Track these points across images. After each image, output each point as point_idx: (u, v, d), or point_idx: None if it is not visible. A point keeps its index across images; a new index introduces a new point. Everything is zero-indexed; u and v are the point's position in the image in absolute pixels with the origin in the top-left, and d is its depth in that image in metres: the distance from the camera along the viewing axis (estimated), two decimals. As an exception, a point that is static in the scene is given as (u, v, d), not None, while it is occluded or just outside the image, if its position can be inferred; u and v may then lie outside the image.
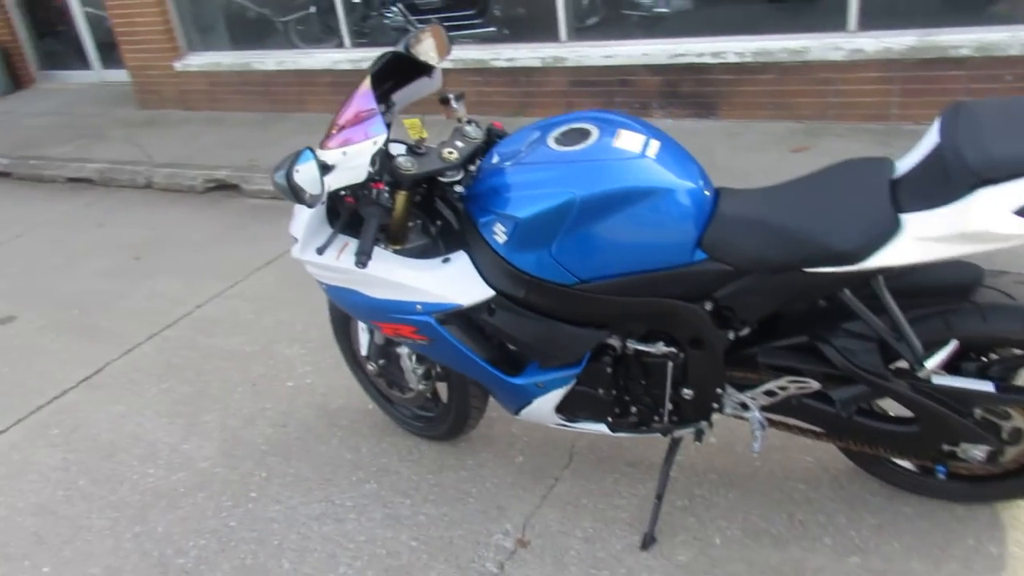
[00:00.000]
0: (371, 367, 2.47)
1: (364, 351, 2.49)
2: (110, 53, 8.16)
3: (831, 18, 4.81)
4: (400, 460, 2.58)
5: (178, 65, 7.12)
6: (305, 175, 1.75)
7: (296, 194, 1.70)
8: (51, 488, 2.64)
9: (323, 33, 6.73)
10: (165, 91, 7.32)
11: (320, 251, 1.94)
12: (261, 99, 6.86)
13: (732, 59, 4.99)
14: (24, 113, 7.87)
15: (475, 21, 6.11)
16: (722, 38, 5.10)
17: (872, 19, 4.69)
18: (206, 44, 7.23)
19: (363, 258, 1.82)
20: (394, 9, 6.39)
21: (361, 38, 6.51)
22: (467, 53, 5.85)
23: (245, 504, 2.48)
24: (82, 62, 8.80)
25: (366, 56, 6.09)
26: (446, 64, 5.30)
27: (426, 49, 2.21)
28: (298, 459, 2.64)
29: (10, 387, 3.26)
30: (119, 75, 8.01)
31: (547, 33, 5.67)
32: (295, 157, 1.74)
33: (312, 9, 6.77)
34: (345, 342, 2.65)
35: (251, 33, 7.15)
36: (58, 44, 8.99)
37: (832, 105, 4.83)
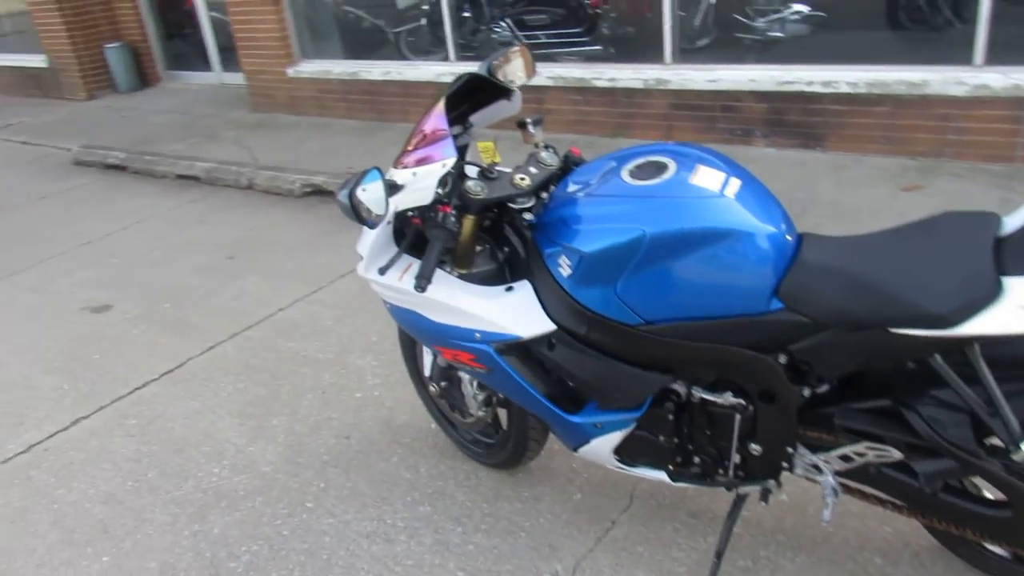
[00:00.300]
0: (433, 388, 2.44)
1: (427, 371, 2.47)
2: (230, 57, 8.53)
3: (955, 51, 4.52)
4: (457, 485, 2.54)
5: (291, 71, 7.36)
6: (371, 194, 1.73)
7: (357, 214, 1.68)
8: (122, 478, 2.73)
9: (432, 46, 6.84)
10: (277, 95, 7.58)
11: (382, 271, 1.92)
12: (366, 108, 7.02)
13: (844, 89, 4.76)
14: (147, 110, 8.31)
15: (582, 39, 6.07)
16: (834, 67, 4.88)
17: (1001, 53, 4.38)
18: (318, 52, 7.46)
19: (423, 282, 1.79)
20: (503, 24, 6.43)
21: (467, 52, 6.57)
22: (569, 71, 5.81)
23: (300, 514, 2.48)
24: (204, 64, 9.23)
25: (468, 70, 6.17)
26: (545, 81, 5.27)
27: (514, 69, 2.17)
28: (357, 473, 2.64)
29: (98, 374, 3.40)
30: (236, 78, 8.36)
31: (652, 54, 5.57)
32: (361, 176, 1.72)
33: (423, 22, 6.89)
34: (412, 360, 2.63)
35: (362, 43, 7.34)
36: (185, 46, 9.47)
37: (950, 143, 4.54)
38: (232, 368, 3.33)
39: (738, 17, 5.41)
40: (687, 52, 5.52)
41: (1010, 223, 1.56)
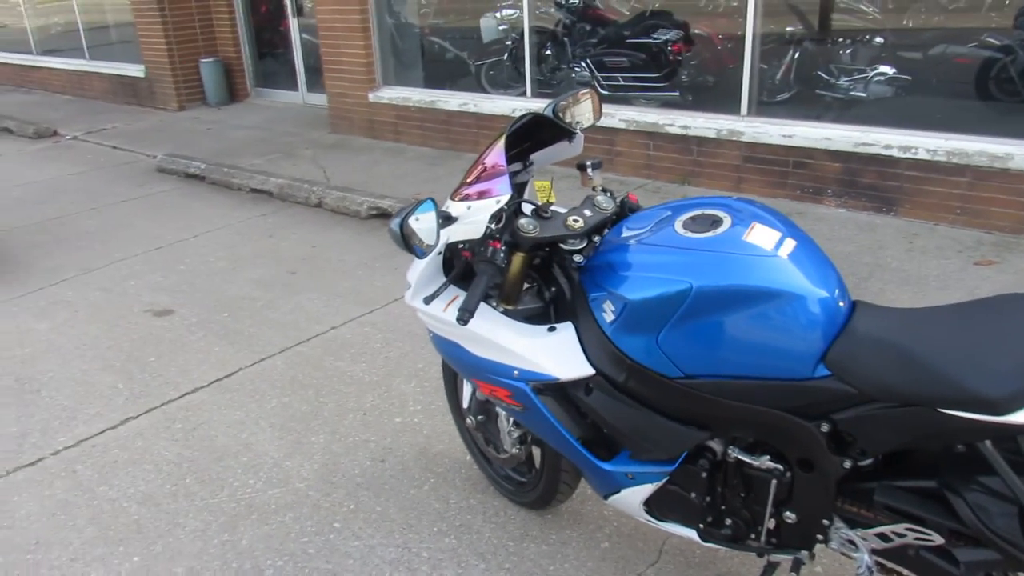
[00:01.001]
0: (470, 421, 2.44)
1: (466, 403, 2.47)
2: (316, 78, 8.81)
3: (1043, 125, 4.39)
4: (485, 520, 2.52)
5: (371, 96, 7.56)
6: (424, 224, 1.76)
7: (406, 243, 1.71)
8: (161, 480, 2.79)
9: (511, 80, 6.96)
10: (356, 118, 7.79)
11: (427, 300, 1.94)
12: (440, 136, 7.16)
13: (922, 155, 4.65)
14: (232, 124, 8.62)
15: (660, 84, 6.09)
16: (914, 132, 4.78)
17: (1092, 132, 4.23)
18: (400, 79, 7.65)
19: (466, 315, 1.80)
20: (583, 64, 6.50)
21: (545, 88, 6.66)
22: (642, 115, 5.83)
23: (327, 533, 2.49)
24: (291, 84, 9.56)
25: (542, 106, 6.23)
26: (617, 124, 5.29)
27: (582, 111, 2.20)
28: (387, 498, 2.64)
29: (152, 376, 3.50)
30: (320, 99, 8.63)
31: (728, 105, 5.55)
32: (416, 206, 1.75)
33: (505, 57, 7.02)
34: (452, 390, 2.63)
35: (443, 73, 7.50)
36: (275, 65, 9.83)
37: (1032, 219, 4.38)
38: (279, 382, 3.39)
39: (820, 74, 5.36)
40: (764, 105, 5.49)
41: (1077, 310, 1.49)
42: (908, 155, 4.71)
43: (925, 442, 1.60)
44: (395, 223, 1.71)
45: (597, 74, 6.39)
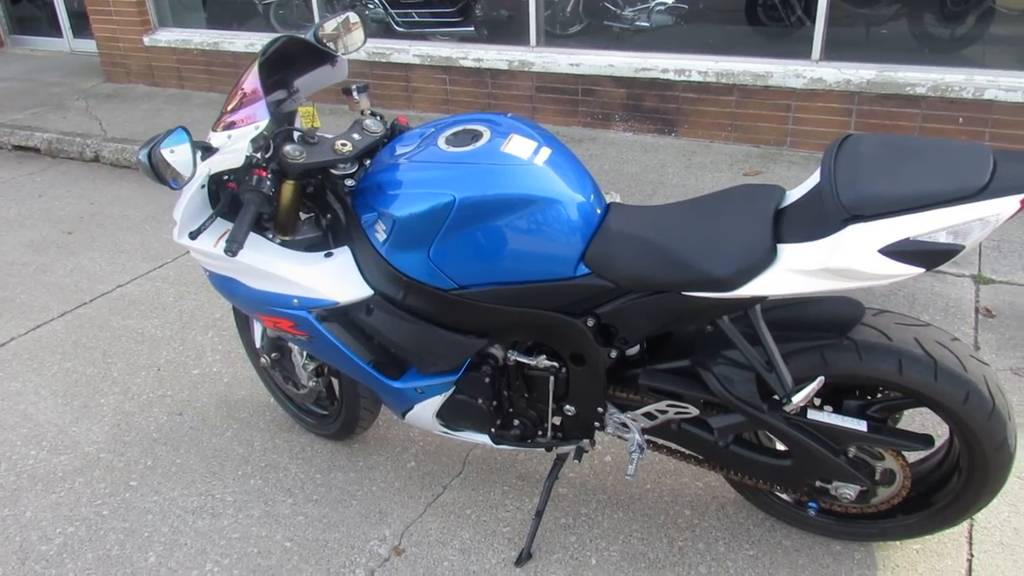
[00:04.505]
0: (264, 360, 2.40)
1: (258, 342, 2.43)
2: (83, 22, 8.02)
3: (797, 46, 4.80)
4: (291, 457, 2.51)
5: (147, 39, 7.01)
6: (179, 156, 1.68)
7: (157, 174, 1.63)
8: (-75, 462, 2.55)
9: (302, 19, 6.68)
10: (132, 65, 7.20)
11: (193, 236, 1.87)
12: (229, 81, 6.77)
13: (695, 78, 4.96)
14: (-14, 77, 7.71)
15: (454, 20, 6.07)
16: (687, 56, 5.08)
17: (836, 50, 4.68)
18: (179, 20, 7.13)
19: (234, 246, 1.75)
20: (376, 0, 6.34)
21: (334, 27, 6.43)
22: (436, 50, 5.80)
23: (123, 492, 2.39)
24: (54, 30, 8.64)
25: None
26: (412, 59, 5.21)
27: (354, 39, 2.16)
28: (187, 449, 2.56)
29: (-94, 354, 3.15)
30: (89, 45, 7.88)
31: (520, 37, 5.63)
32: (165, 135, 1.67)
33: (294, -7, 6.72)
34: (245, 332, 2.57)
35: (229, 13, 7.06)
36: (32, 8, 8.84)
37: (790, 132, 4.82)
38: (60, 347, 3.16)
39: (607, 5, 5.54)
40: (553, 36, 5.62)
41: (790, 196, 1.68)
42: (683, 78, 5.01)
43: (676, 325, 1.76)
44: (143, 153, 1.63)
45: (391, 10, 6.27)
